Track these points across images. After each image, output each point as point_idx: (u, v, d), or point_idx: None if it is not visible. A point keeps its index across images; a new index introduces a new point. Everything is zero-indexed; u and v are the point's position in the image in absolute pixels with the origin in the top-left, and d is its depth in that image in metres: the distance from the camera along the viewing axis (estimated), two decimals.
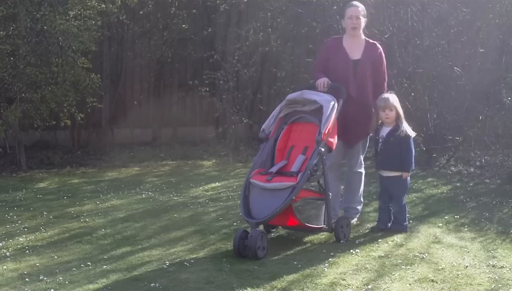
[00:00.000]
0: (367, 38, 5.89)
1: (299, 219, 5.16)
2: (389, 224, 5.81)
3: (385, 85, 5.90)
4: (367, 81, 5.73)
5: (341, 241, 5.38)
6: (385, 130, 5.69)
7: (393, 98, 5.68)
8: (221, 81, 9.56)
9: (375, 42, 5.95)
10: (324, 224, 5.39)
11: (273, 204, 5.01)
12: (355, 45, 5.78)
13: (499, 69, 9.05)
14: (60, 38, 8.02)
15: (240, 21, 10.34)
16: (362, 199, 6.01)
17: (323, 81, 5.59)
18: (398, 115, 5.64)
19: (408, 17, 8.76)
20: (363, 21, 5.79)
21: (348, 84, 5.64)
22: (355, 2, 5.85)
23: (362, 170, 5.94)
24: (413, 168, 5.76)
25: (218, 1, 10.03)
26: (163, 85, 10.23)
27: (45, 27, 7.92)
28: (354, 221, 5.91)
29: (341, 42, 5.83)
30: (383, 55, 5.89)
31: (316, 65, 6.00)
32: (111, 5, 8.62)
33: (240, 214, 5.35)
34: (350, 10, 5.79)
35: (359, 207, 5.99)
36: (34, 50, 8.07)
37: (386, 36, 8.80)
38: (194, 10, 9.97)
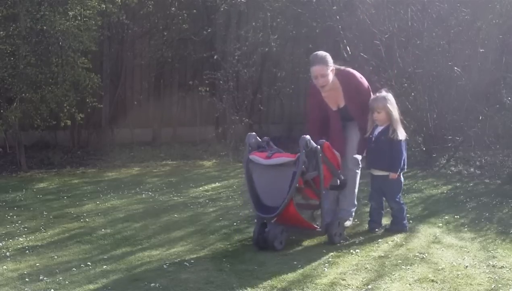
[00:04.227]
0: (337, 70, 5.58)
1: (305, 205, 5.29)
2: (382, 223, 5.81)
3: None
4: (356, 115, 5.68)
5: (340, 242, 5.37)
6: (377, 129, 5.68)
7: (383, 99, 5.61)
8: (221, 81, 9.57)
9: (347, 70, 5.68)
10: (318, 226, 5.41)
11: (280, 188, 5.07)
12: (333, 94, 5.62)
13: (499, 69, 9.04)
14: (60, 38, 8.02)
15: (240, 22, 10.34)
16: (355, 202, 5.88)
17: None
18: (389, 116, 5.59)
19: (408, 17, 8.75)
20: (330, 72, 5.47)
21: (337, 130, 5.63)
22: (318, 56, 5.50)
23: (358, 170, 5.82)
24: (404, 169, 5.72)
25: (218, 1, 10.03)
26: (163, 85, 10.23)
27: (45, 27, 7.92)
28: (347, 223, 5.77)
29: (320, 95, 5.64)
30: (357, 77, 5.67)
31: (308, 116, 5.87)
32: (111, 5, 8.63)
33: (251, 209, 5.36)
34: (313, 70, 5.47)
35: (353, 210, 5.86)
36: (34, 50, 8.07)
37: (386, 36, 8.80)
38: (194, 10, 9.97)
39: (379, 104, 5.59)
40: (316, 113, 5.76)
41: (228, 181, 7.94)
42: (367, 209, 6.00)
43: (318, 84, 5.52)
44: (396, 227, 5.74)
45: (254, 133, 5.49)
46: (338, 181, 5.50)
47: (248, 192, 5.40)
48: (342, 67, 5.67)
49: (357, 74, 5.69)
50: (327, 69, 5.46)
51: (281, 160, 5.20)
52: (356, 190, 5.87)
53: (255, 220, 5.61)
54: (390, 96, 5.69)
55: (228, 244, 5.31)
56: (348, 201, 5.81)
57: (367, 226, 5.84)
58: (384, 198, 5.83)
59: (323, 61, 5.47)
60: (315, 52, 5.59)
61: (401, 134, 5.62)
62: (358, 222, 6.02)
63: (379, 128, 5.66)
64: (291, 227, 5.41)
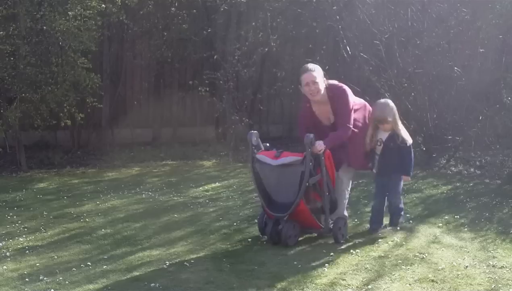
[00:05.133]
0: (329, 85, 5.48)
1: (309, 209, 5.26)
2: (383, 223, 5.77)
3: (349, 122, 5.44)
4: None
5: (341, 241, 5.37)
6: (383, 135, 5.59)
7: (389, 109, 5.53)
8: (221, 81, 9.57)
9: (339, 85, 5.53)
10: (322, 226, 5.40)
11: (290, 186, 5.14)
12: (324, 110, 5.54)
13: (499, 69, 9.05)
14: (60, 38, 8.02)
15: (240, 22, 10.34)
16: (346, 199, 5.74)
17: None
18: (395, 123, 5.54)
19: (408, 17, 8.76)
20: (321, 83, 5.40)
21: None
22: (309, 66, 5.46)
23: (348, 175, 5.68)
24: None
25: (218, 1, 10.03)
26: (163, 85, 10.24)
27: (45, 27, 7.92)
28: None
29: (311, 110, 5.57)
30: (346, 94, 5.46)
31: (301, 123, 5.76)
32: (111, 5, 8.63)
33: (262, 207, 5.36)
34: (304, 76, 5.39)
35: (346, 213, 5.73)
36: (34, 50, 8.07)
37: (386, 36, 8.80)
38: (194, 10, 9.98)
39: (389, 116, 5.49)
40: (306, 122, 5.64)
41: (228, 181, 7.94)
42: (367, 209, 5.99)
43: (310, 91, 5.42)
44: (394, 222, 5.72)
45: (255, 131, 5.49)
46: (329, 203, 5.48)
47: (257, 191, 5.41)
48: (336, 82, 5.59)
49: (348, 92, 5.51)
50: (317, 77, 5.39)
51: (289, 159, 5.24)
52: (347, 195, 5.73)
53: (256, 220, 5.62)
54: (392, 103, 5.62)
55: (228, 244, 5.31)
56: (340, 207, 5.65)
57: (368, 226, 5.84)
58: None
59: (313, 70, 5.43)
60: (305, 64, 5.56)
61: (409, 139, 5.58)
62: (358, 222, 6.02)
63: (385, 134, 5.58)
64: (301, 225, 5.41)
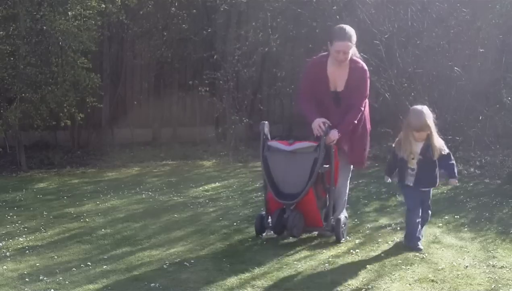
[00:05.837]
0: (355, 58, 5.38)
1: (318, 207, 5.26)
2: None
3: (362, 105, 5.42)
4: (347, 105, 5.41)
5: (342, 241, 5.37)
6: (417, 146, 5.25)
7: (428, 116, 5.18)
8: (221, 81, 9.57)
9: (362, 63, 5.42)
10: (324, 224, 5.39)
11: (299, 176, 5.15)
12: (338, 74, 5.36)
13: (499, 69, 9.05)
14: (60, 38, 8.02)
15: (240, 21, 10.35)
16: (346, 200, 5.72)
17: (318, 124, 5.27)
18: (431, 131, 5.21)
19: (408, 17, 8.76)
20: (351, 51, 5.28)
21: (330, 116, 5.36)
22: (348, 33, 5.27)
23: (345, 175, 5.63)
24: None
25: (218, 1, 10.03)
26: (163, 85, 10.24)
27: (45, 27, 7.93)
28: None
29: (324, 68, 5.39)
30: (367, 75, 5.41)
31: (302, 92, 5.61)
32: (111, 5, 8.63)
33: (269, 193, 5.32)
34: (339, 44, 5.23)
35: (346, 213, 5.70)
36: (34, 50, 8.07)
37: (386, 36, 8.80)
38: (194, 10, 9.98)
39: (430, 124, 5.17)
40: (309, 92, 5.50)
41: (228, 181, 7.94)
42: (367, 209, 5.98)
43: (337, 58, 5.29)
44: (422, 232, 5.50)
45: (266, 122, 5.52)
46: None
47: (265, 180, 5.37)
48: (361, 60, 5.49)
49: (368, 77, 5.46)
50: (351, 47, 5.29)
51: (303, 145, 5.28)
52: (345, 199, 5.69)
53: (255, 220, 5.61)
54: (427, 109, 5.28)
55: (228, 244, 5.31)
56: (340, 206, 5.63)
57: (368, 226, 5.81)
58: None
59: (351, 40, 5.29)
60: (344, 27, 5.39)
61: (444, 144, 5.33)
62: (358, 222, 6.02)
63: (419, 145, 5.25)
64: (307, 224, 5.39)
